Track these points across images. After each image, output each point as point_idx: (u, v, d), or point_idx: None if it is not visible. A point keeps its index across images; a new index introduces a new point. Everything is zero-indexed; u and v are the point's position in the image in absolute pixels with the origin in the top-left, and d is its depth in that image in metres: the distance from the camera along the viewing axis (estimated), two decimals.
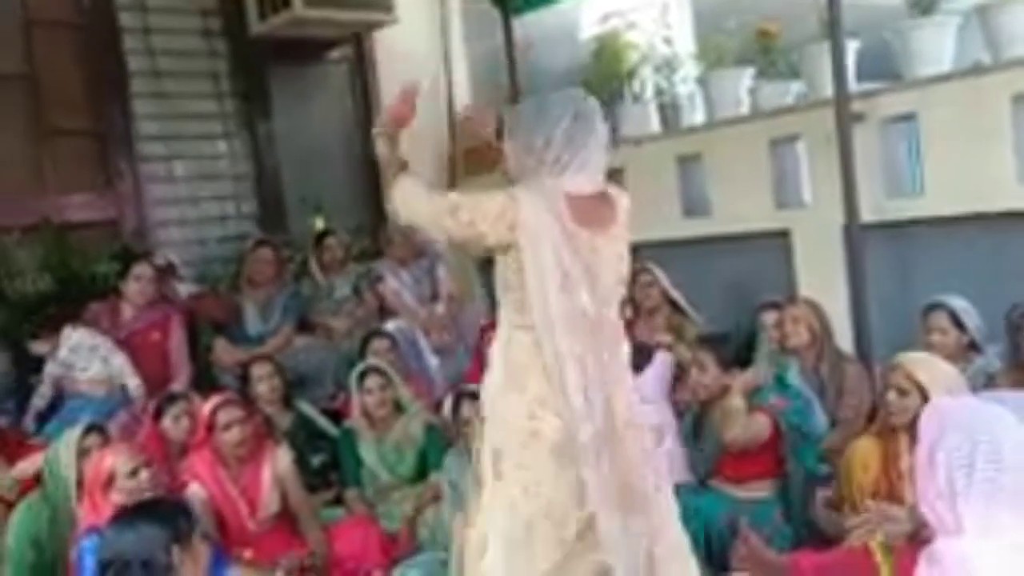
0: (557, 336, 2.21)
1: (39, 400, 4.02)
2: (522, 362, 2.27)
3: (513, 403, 2.28)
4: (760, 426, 3.11)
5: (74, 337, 4.04)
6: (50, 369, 4.04)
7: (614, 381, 2.30)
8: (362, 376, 3.76)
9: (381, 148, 2.42)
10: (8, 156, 5.03)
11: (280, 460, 3.34)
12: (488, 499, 2.35)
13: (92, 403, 3.91)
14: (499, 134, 2.44)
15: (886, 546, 2.27)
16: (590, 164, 2.33)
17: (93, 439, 3.10)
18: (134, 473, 2.84)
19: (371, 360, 3.96)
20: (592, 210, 2.33)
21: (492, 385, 2.35)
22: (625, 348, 2.39)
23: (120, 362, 4.05)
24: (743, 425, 3.08)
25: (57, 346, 4.03)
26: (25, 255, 4.62)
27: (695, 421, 3.39)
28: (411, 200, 2.31)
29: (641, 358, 3.51)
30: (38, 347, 4.08)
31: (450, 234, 2.28)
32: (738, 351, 3.40)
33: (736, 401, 3.11)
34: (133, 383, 4.04)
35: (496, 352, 2.36)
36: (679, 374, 3.62)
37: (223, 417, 3.23)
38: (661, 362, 3.68)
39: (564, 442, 2.23)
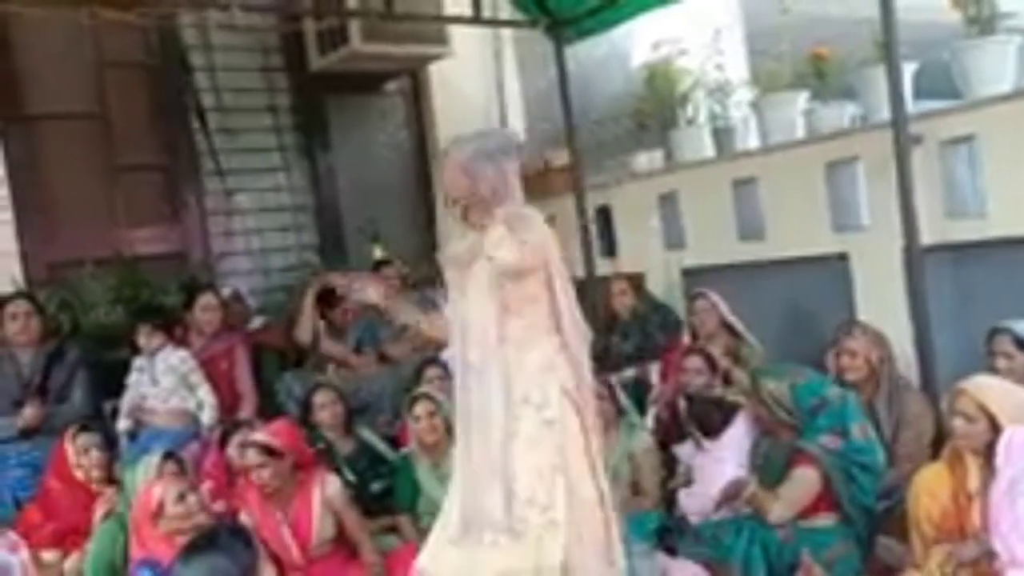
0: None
1: (124, 422, 4.13)
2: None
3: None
4: (806, 486, 3.05)
5: (173, 359, 4.15)
6: (134, 381, 4.15)
7: None
8: (412, 403, 3.81)
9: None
10: (82, 192, 5.26)
11: (329, 484, 3.37)
12: None
13: (167, 434, 4.03)
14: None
15: None
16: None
17: (170, 466, 3.17)
18: (182, 498, 2.91)
19: (422, 387, 4.01)
20: None
21: None
22: None
23: (204, 392, 4.16)
24: (786, 505, 3.05)
25: (155, 354, 4.14)
26: (99, 287, 4.79)
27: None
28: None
29: (719, 416, 3.47)
30: (144, 339, 4.16)
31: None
32: None
33: (754, 494, 3.11)
34: (208, 415, 4.14)
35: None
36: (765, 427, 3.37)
37: (250, 459, 3.26)
38: (743, 423, 3.45)
39: None
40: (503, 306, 2.44)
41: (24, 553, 3.06)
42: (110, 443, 4.04)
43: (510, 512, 2.39)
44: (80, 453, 3.51)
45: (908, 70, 4.00)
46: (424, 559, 2.56)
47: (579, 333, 2.53)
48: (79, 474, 3.47)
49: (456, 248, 2.58)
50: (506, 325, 2.44)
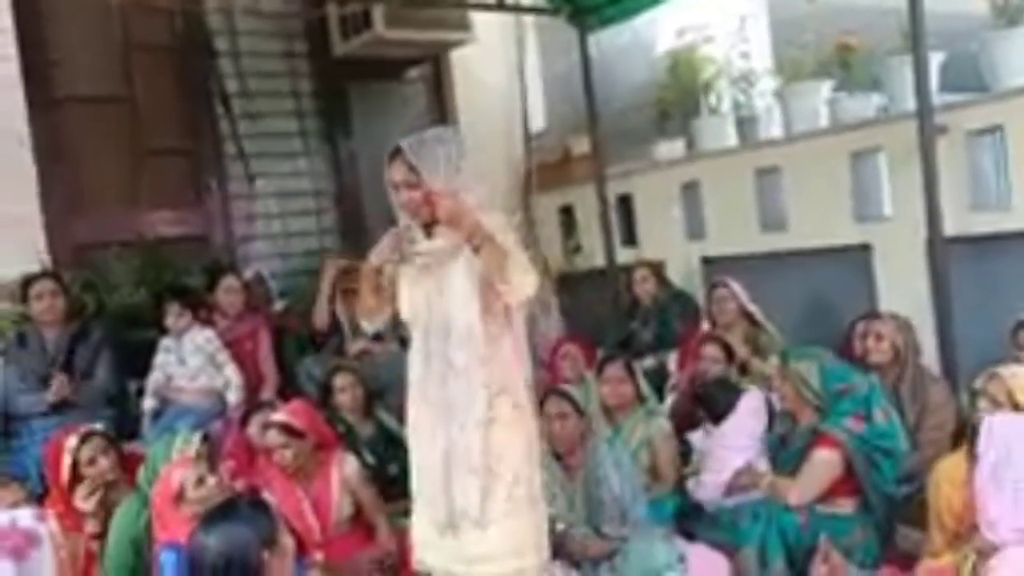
0: None
1: (149, 401, 4.20)
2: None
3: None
4: (827, 468, 3.03)
5: (199, 338, 4.22)
6: (161, 361, 4.21)
7: None
8: None
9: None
10: (108, 175, 5.31)
11: (347, 464, 3.42)
12: None
13: (193, 412, 4.09)
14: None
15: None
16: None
17: (195, 448, 3.19)
18: (201, 481, 2.92)
19: None
20: None
21: None
22: None
23: (231, 372, 4.23)
24: (805, 486, 3.03)
25: (182, 334, 4.21)
26: (123, 269, 4.85)
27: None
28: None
29: (724, 399, 3.48)
30: (172, 319, 4.21)
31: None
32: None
33: (771, 483, 3.12)
34: (235, 394, 4.20)
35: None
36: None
37: (272, 439, 3.30)
38: (747, 407, 3.45)
39: None
40: (485, 306, 2.46)
41: (52, 523, 3.10)
42: (126, 423, 4.11)
43: (495, 495, 2.45)
44: (86, 465, 3.18)
45: (934, 61, 3.97)
46: (420, 552, 2.62)
47: (523, 324, 2.57)
48: (82, 505, 3.18)
49: (431, 245, 2.54)
50: (486, 323, 2.47)
